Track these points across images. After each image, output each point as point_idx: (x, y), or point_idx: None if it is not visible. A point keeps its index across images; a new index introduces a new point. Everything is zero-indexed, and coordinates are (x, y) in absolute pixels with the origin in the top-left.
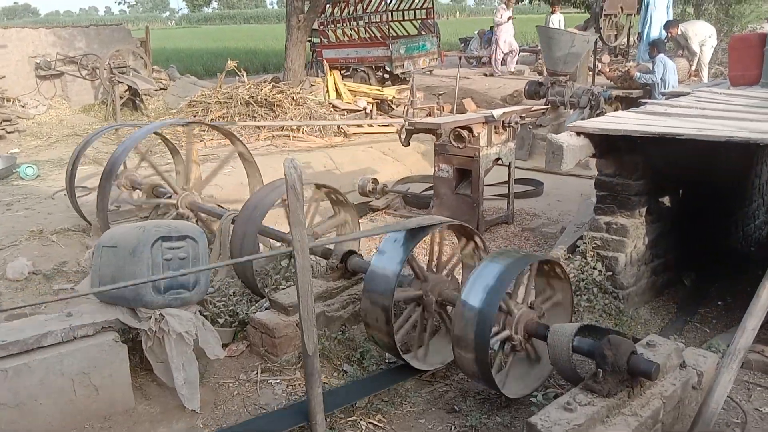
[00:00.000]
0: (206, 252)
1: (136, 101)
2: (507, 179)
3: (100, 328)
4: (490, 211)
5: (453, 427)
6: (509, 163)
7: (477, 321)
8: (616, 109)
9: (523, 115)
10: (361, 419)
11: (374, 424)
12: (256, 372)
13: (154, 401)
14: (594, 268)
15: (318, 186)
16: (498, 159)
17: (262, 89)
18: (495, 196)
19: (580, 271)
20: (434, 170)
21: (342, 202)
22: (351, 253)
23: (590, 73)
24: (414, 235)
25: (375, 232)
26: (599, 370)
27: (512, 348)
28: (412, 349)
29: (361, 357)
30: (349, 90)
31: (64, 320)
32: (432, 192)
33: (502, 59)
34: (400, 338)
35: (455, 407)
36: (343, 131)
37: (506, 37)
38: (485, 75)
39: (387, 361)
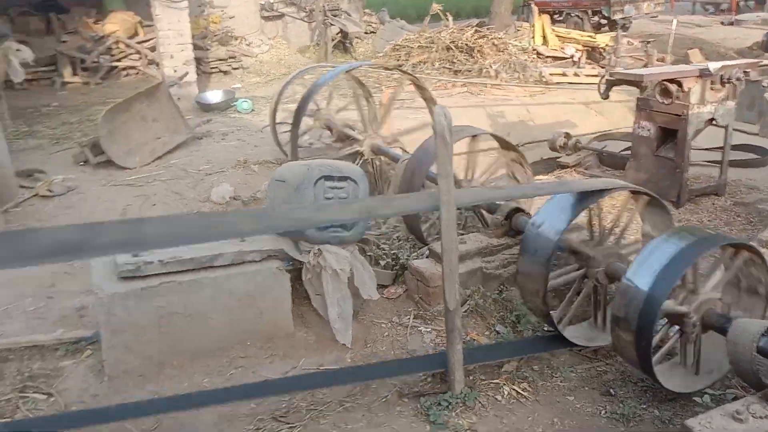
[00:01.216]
0: (366, 194)
1: (346, 44)
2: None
3: (266, 255)
4: (698, 178)
5: (603, 411)
6: (726, 126)
7: (642, 302)
8: None
9: (748, 69)
10: (504, 384)
11: (518, 391)
12: (408, 317)
13: (312, 330)
14: None
15: (494, 136)
16: (712, 119)
17: (464, 34)
18: (707, 162)
19: None
20: (633, 127)
21: (515, 155)
22: (518, 210)
23: None
24: (584, 198)
25: (535, 192)
26: None
27: (683, 335)
28: (573, 321)
29: (516, 320)
30: (557, 36)
31: (236, 245)
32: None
33: None
34: (561, 307)
35: (611, 390)
36: (544, 80)
37: None
38: (722, 24)
39: (545, 329)
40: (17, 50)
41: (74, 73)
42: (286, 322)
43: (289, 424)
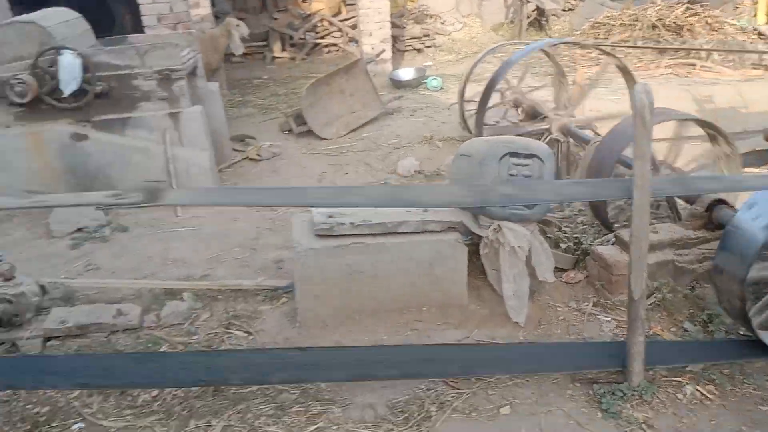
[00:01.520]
0: (552, 174)
1: (542, 21)
2: None
3: (446, 227)
4: None
5: None
6: None
7: None
8: None
9: None
10: (688, 383)
11: (702, 393)
12: (587, 304)
13: (485, 304)
14: None
15: (699, 122)
16: None
17: (673, 11)
18: None
19: None
20: None
21: (725, 143)
22: (720, 202)
23: None
24: None
25: (743, 185)
26: None
27: None
28: None
29: (707, 319)
30: None
31: (419, 214)
32: None
33: None
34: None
35: None
36: (765, 64)
37: None
38: None
39: (741, 332)
40: (237, 25)
41: (283, 49)
42: (460, 293)
43: (458, 389)
